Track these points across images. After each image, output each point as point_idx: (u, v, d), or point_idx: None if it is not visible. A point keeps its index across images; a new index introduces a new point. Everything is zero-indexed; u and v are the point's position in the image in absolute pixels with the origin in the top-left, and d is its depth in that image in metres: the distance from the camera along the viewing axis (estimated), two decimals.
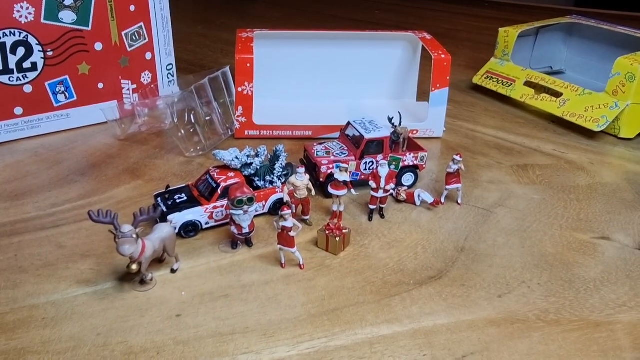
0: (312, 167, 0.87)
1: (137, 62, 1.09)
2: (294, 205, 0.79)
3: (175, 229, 0.71)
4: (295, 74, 1.16)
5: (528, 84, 1.22)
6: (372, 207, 0.81)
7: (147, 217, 0.64)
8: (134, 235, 0.61)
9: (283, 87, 1.16)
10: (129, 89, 1.10)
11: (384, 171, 0.79)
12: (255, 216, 0.75)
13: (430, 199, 0.84)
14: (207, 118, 1.01)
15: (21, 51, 0.96)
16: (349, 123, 0.90)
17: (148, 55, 1.11)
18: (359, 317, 0.63)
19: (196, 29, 1.81)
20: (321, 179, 0.85)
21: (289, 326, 0.62)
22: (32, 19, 0.95)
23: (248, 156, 0.80)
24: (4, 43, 0.94)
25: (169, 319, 0.62)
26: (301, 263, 0.71)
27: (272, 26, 1.17)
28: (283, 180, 0.81)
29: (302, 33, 1.15)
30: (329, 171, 0.84)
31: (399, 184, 0.88)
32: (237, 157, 0.79)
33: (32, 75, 0.98)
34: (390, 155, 0.87)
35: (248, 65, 0.99)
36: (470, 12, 2.14)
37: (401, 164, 0.88)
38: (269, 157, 0.83)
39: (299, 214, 0.80)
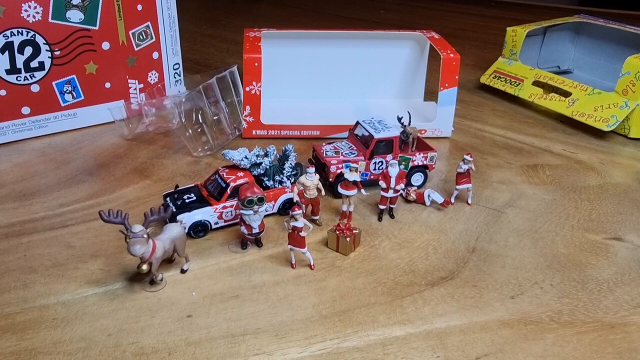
0: (321, 167, 0.86)
1: (144, 61, 1.09)
2: (303, 205, 0.79)
3: (185, 229, 0.71)
4: (302, 73, 1.16)
5: (536, 83, 1.22)
6: (381, 207, 0.81)
7: (158, 217, 0.63)
8: (145, 236, 0.61)
9: (290, 86, 1.16)
10: (136, 89, 1.09)
11: (394, 171, 0.78)
12: (265, 216, 0.75)
13: (440, 199, 0.84)
14: (215, 118, 1.01)
15: (29, 50, 0.95)
16: (357, 123, 0.89)
17: (155, 55, 1.10)
18: (370, 318, 0.63)
19: (202, 28, 1.81)
20: (330, 179, 0.85)
21: (300, 327, 0.61)
22: (40, 18, 0.95)
23: (257, 156, 0.80)
24: (12, 42, 0.94)
25: (180, 320, 0.62)
26: (312, 263, 0.70)
27: (277, 26, 1.17)
28: (292, 180, 0.81)
29: (310, 32, 1.14)
30: (338, 171, 0.84)
31: (408, 184, 0.88)
32: (246, 157, 0.78)
33: (39, 75, 0.98)
34: (399, 155, 0.86)
35: (256, 64, 0.98)
36: (477, 11, 2.14)
37: (411, 164, 0.88)
38: (278, 156, 0.83)
39: (309, 214, 0.80)
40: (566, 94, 1.15)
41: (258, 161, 0.79)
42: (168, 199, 0.77)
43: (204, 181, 0.81)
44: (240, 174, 0.78)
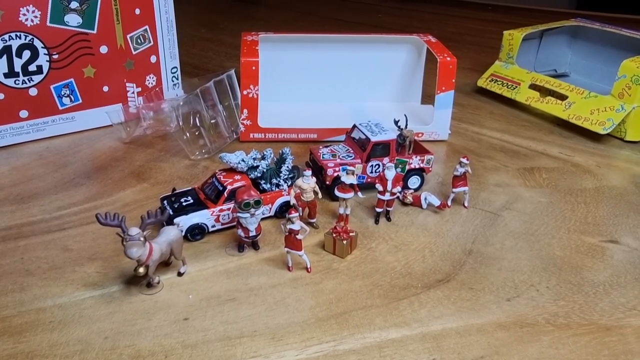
0: (318, 170, 0.86)
1: (142, 65, 1.09)
2: (300, 208, 0.79)
3: (182, 232, 0.71)
4: (300, 77, 1.16)
5: (533, 86, 1.22)
6: (378, 210, 0.81)
7: (155, 219, 0.63)
8: (142, 238, 0.61)
9: (288, 90, 1.16)
10: (133, 92, 1.10)
11: (390, 174, 0.78)
12: (262, 219, 0.75)
13: (436, 201, 0.84)
14: (213, 121, 1.01)
15: (27, 54, 0.96)
16: (354, 126, 0.89)
17: (153, 59, 1.11)
18: (367, 320, 0.63)
19: (200, 32, 1.81)
20: (327, 182, 0.85)
21: (297, 330, 0.62)
22: (38, 22, 0.95)
23: (254, 159, 0.80)
24: (10, 46, 0.94)
25: (177, 323, 0.62)
26: (308, 266, 0.71)
27: (275, 29, 1.17)
28: (289, 183, 0.81)
29: (307, 36, 1.15)
30: (335, 174, 0.84)
31: (405, 187, 0.88)
32: (243, 160, 0.79)
33: (37, 79, 0.98)
34: (396, 158, 0.87)
35: (253, 68, 0.99)
36: (474, 15, 2.14)
37: (407, 167, 0.88)
38: (275, 160, 0.83)
39: (306, 217, 0.80)
40: (563, 97, 1.16)
41: (255, 164, 0.80)
42: (165, 201, 0.78)
43: (201, 184, 0.81)
44: (237, 177, 0.78)
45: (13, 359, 0.57)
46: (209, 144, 0.99)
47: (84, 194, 0.86)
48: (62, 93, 1.02)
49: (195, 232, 0.75)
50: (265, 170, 0.80)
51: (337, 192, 0.78)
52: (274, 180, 0.81)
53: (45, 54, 0.97)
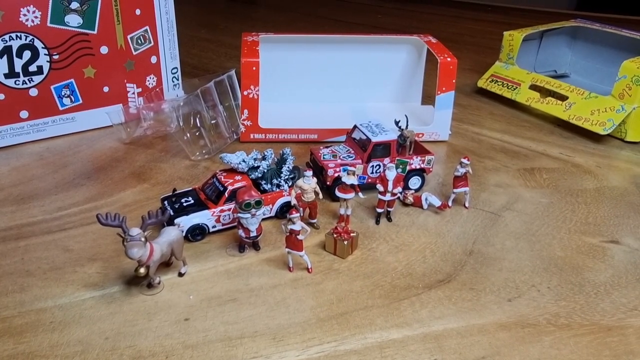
0: (318, 171, 0.86)
1: (143, 65, 1.09)
2: (301, 209, 0.79)
3: (183, 232, 0.71)
4: (300, 77, 1.16)
5: (533, 87, 1.22)
6: (379, 210, 0.81)
7: (155, 220, 0.63)
8: (143, 239, 0.61)
9: (288, 90, 1.16)
10: (134, 93, 1.10)
11: (391, 174, 0.78)
12: (262, 219, 0.75)
13: (437, 202, 0.84)
14: (213, 121, 1.01)
15: (27, 55, 0.96)
16: (355, 126, 0.89)
17: (153, 59, 1.11)
18: (368, 321, 0.63)
19: (200, 32, 1.81)
20: (328, 183, 0.85)
21: (298, 330, 0.61)
22: (38, 23, 0.95)
23: (255, 159, 0.80)
24: (10, 47, 0.94)
25: (177, 323, 0.62)
26: (309, 267, 0.71)
27: (275, 30, 1.17)
28: (290, 184, 0.81)
29: (308, 37, 1.15)
30: (336, 174, 0.84)
31: (405, 187, 0.88)
32: (244, 160, 0.79)
33: (37, 79, 0.98)
34: (397, 158, 0.86)
35: (254, 68, 0.99)
36: (474, 16, 2.15)
37: (408, 168, 0.88)
38: (276, 160, 0.83)
39: (306, 217, 0.80)
40: (563, 98, 1.16)
41: (256, 165, 0.80)
42: (166, 202, 0.78)
43: (202, 185, 0.81)
44: (238, 177, 0.78)
45: None
46: (209, 144, 0.99)
47: (84, 194, 0.86)
48: (63, 93, 1.02)
49: (196, 233, 0.75)
50: (265, 170, 0.80)
51: (337, 193, 0.78)
52: (275, 181, 0.81)
53: (45, 54, 0.97)
